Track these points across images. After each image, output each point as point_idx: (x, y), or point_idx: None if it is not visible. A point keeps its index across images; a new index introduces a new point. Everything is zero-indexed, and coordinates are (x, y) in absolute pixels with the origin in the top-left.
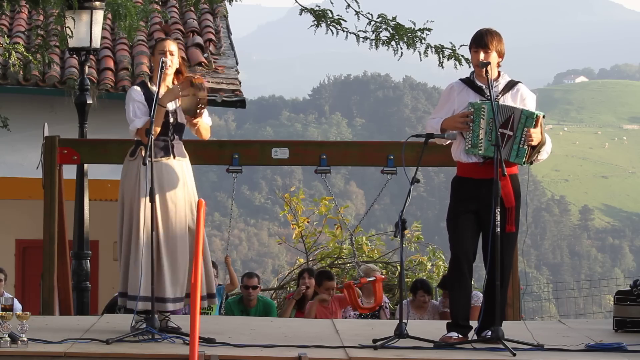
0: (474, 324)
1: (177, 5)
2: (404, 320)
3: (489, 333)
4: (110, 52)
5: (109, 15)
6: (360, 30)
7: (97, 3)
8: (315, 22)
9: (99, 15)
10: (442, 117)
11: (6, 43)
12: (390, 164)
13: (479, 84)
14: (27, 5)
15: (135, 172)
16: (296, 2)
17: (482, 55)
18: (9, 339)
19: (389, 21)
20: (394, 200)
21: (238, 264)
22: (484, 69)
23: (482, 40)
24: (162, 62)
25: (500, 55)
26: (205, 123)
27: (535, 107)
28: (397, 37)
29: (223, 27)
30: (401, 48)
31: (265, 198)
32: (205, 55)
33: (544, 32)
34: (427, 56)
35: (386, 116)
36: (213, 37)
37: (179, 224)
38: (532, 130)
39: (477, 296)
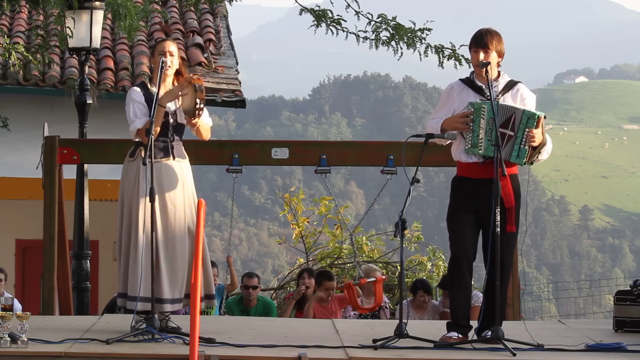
0: (474, 324)
1: (177, 5)
2: (404, 320)
3: (489, 333)
4: (110, 52)
5: (109, 15)
6: (360, 30)
7: (97, 3)
8: (315, 22)
9: (99, 15)
10: (442, 117)
11: (6, 43)
12: (390, 164)
13: (479, 83)
14: (27, 5)
15: (135, 173)
16: (296, 2)
17: (482, 55)
18: (9, 339)
19: (389, 21)
20: (394, 200)
21: (238, 264)
22: (484, 69)
23: (482, 40)
24: (162, 63)
25: (500, 55)
26: (205, 123)
27: (535, 107)
28: (397, 37)
29: (223, 27)
30: (401, 48)
31: (265, 198)
32: (205, 55)
33: (544, 32)
34: (427, 56)
35: (386, 116)
36: (213, 37)
37: (178, 225)
38: (533, 130)
39: (477, 296)
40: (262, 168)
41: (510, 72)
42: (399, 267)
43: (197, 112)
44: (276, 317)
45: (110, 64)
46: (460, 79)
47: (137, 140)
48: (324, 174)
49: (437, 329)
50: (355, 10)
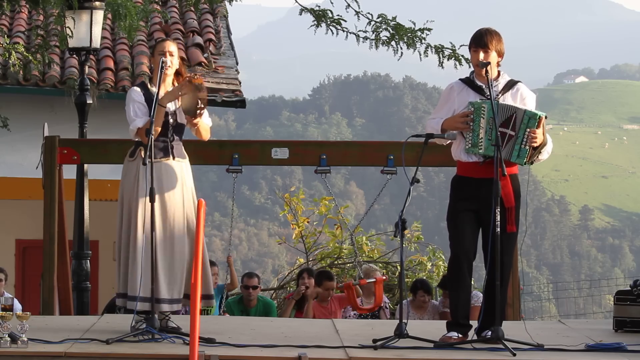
0: (474, 324)
1: (177, 5)
2: (404, 320)
3: (489, 333)
4: (110, 52)
5: (109, 15)
6: (360, 30)
7: (97, 3)
8: (315, 22)
9: (99, 15)
10: (442, 117)
11: (6, 43)
12: (390, 164)
13: (479, 83)
14: (27, 5)
15: (135, 173)
16: (296, 2)
17: (481, 55)
18: (9, 339)
19: (389, 21)
20: (394, 200)
21: (238, 264)
22: (484, 68)
23: (482, 39)
24: (162, 63)
25: (500, 54)
26: (205, 124)
27: (535, 107)
28: (397, 37)
29: (223, 27)
30: (401, 48)
31: (265, 198)
32: (205, 55)
33: (544, 32)
34: (427, 56)
35: (386, 116)
36: (213, 37)
37: (177, 225)
38: (535, 131)
39: (477, 296)
40: (262, 168)
41: (510, 72)
42: (399, 267)
43: (198, 111)
44: (276, 317)
45: (110, 64)
46: (460, 79)
47: (136, 139)
48: (324, 174)
49: (437, 329)
50: (355, 10)
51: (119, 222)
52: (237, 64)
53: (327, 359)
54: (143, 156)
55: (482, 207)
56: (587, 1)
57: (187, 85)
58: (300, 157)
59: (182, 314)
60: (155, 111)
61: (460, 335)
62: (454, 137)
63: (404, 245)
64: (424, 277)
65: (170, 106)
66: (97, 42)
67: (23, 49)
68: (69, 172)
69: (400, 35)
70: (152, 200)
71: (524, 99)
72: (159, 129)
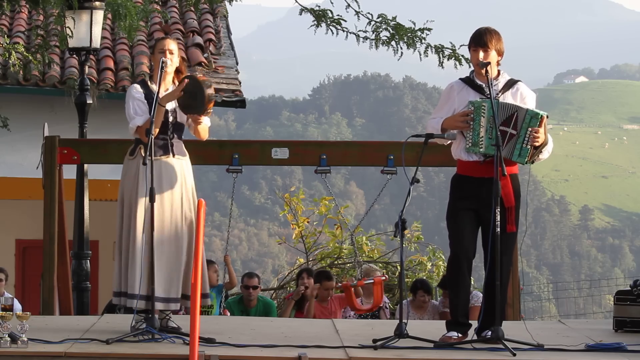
0: (474, 324)
1: (177, 5)
2: (404, 320)
3: (489, 333)
4: (110, 52)
5: (109, 15)
6: (360, 30)
7: (97, 3)
8: (315, 22)
9: (99, 15)
10: (442, 117)
11: (6, 43)
12: (390, 164)
13: (479, 82)
14: (27, 5)
15: (135, 171)
16: (296, 2)
17: (481, 54)
18: (9, 339)
19: (389, 21)
20: (394, 200)
21: (238, 264)
22: (484, 68)
23: (481, 39)
24: (162, 63)
25: (500, 53)
26: (204, 124)
27: (535, 106)
28: (397, 37)
29: (223, 27)
30: (401, 48)
31: (265, 198)
32: (205, 55)
33: (544, 32)
34: (427, 56)
35: (386, 116)
36: (213, 37)
37: (176, 223)
38: (537, 129)
39: (477, 296)
40: (262, 168)
41: (510, 72)
42: (399, 267)
43: (206, 108)
44: (276, 317)
45: (110, 64)
46: (460, 78)
47: (136, 137)
48: (324, 174)
49: (437, 329)
50: (355, 10)
51: (119, 221)
52: (237, 64)
53: (327, 359)
54: (143, 155)
55: (482, 206)
56: (587, 1)
57: (195, 82)
58: (300, 157)
59: (182, 314)
60: (155, 111)
61: (460, 335)
62: (453, 137)
63: (404, 245)
64: (424, 277)
65: (170, 105)
66: (97, 42)
67: (23, 49)
68: (69, 172)
69: (400, 35)
70: (152, 200)
71: (524, 98)
72: (157, 130)
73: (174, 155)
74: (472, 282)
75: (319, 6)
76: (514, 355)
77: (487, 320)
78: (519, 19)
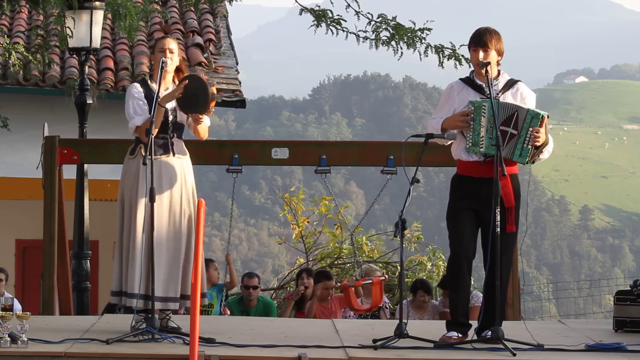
0: (474, 324)
1: (177, 5)
2: (404, 320)
3: (489, 333)
4: (110, 52)
5: (109, 15)
6: (360, 30)
7: (97, 3)
8: (315, 22)
9: (99, 15)
10: (442, 117)
11: (6, 43)
12: (390, 164)
13: (479, 82)
14: (27, 5)
15: (135, 171)
16: (296, 2)
17: (481, 54)
18: (9, 339)
19: (389, 21)
20: (394, 200)
21: (238, 264)
22: (484, 68)
23: (481, 39)
24: (162, 62)
25: (500, 53)
26: (204, 123)
27: (535, 106)
28: (397, 37)
29: (223, 27)
30: (401, 48)
31: (265, 198)
32: (205, 55)
33: (544, 32)
34: (427, 56)
35: (386, 116)
36: (213, 37)
37: (176, 223)
38: (538, 129)
39: (477, 296)
40: (262, 168)
41: (510, 72)
42: (399, 267)
43: (209, 107)
44: (276, 317)
45: (110, 64)
46: (460, 79)
47: (135, 136)
48: (324, 174)
49: (437, 329)
50: (355, 10)
51: (119, 220)
52: (237, 64)
53: (327, 359)
54: (143, 154)
55: (482, 206)
56: (587, 1)
57: (198, 81)
58: (300, 157)
59: (183, 313)
60: (155, 111)
61: (460, 335)
62: (453, 137)
63: (404, 245)
64: (424, 277)
65: (170, 104)
66: (97, 42)
67: (23, 49)
68: (69, 172)
69: (400, 35)
70: (151, 200)
71: (524, 98)
72: (156, 130)
73: (174, 155)
74: (472, 282)
75: (319, 6)
76: (514, 355)
77: (487, 320)
78: (519, 19)
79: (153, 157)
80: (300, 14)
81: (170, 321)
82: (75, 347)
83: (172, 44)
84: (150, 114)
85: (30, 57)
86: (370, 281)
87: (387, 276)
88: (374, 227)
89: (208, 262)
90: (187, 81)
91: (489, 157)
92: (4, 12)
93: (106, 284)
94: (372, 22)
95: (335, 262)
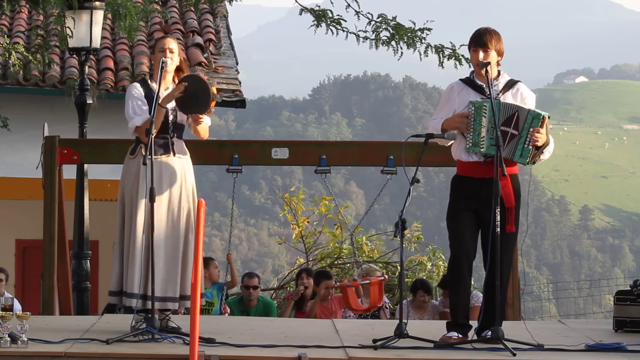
0: (474, 324)
1: (177, 5)
2: (404, 320)
3: (489, 333)
4: (110, 52)
5: (109, 15)
6: (360, 30)
7: (97, 3)
8: (315, 22)
9: (99, 15)
10: (442, 118)
11: (6, 43)
12: (390, 164)
13: (479, 83)
14: (27, 5)
15: (135, 171)
16: (296, 2)
17: (481, 55)
18: (9, 339)
19: (389, 21)
20: (394, 200)
21: (238, 264)
22: (484, 68)
23: (481, 39)
24: (162, 63)
25: (500, 54)
26: (205, 123)
27: (535, 106)
28: (397, 37)
29: (223, 27)
30: (401, 48)
31: (265, 198)
32: (205, 55)
33: (544, 32)
34: (427, 56)
35: (386, 116)
36: (213, 37)
37: (175, 223)
38: (538, 130)
39: (477, 296)
40: (262, 168)
41: (510, 72)
42: (399, 267)
43: (209, 107)
44: (276, 317)
45: (110, 64)
46: (460, 79)
47: (135, 136)
48: (324, 174)
49: (437, 329)
50: (355, 10)
51: (119, 220)
52: (237, 64)
53: (327, 359)
54: (144, 154)
55: (482, 206)
56: (587, 1)
57: (199, 81)
58: (300, 157)
59: (183, 313)
60: (155, 111)
61: (460, 336)
62: (453, 137)
63: (404, 245)
64: (424, 277)
65: (170, 104)
66: (97, 42)
67: (23, 49)
68: (69, 172)
69: (400, 35)
70: (152, 200)
71: (524, 98)
72: (156, 131)
73: (174, 154)
74: (472, 283)
75: (319, 6)
76: (514, 355)
77: (487, 320)
78: (519, 19)
79: (153, 157)
80: (300, 14)
81: (170, 321)
82: (75, 347)
83: (172, 43)
84: (150, 114)
85: (30, 57)
86: (368, 281)
87: (387, 276)
88: (374, 227)
89: (208, 260)
90: (186, 82)
91: (489, 158)
92: (4, 12)
93: (106, 284)
94: (372, 22)
95: (335, 262)
